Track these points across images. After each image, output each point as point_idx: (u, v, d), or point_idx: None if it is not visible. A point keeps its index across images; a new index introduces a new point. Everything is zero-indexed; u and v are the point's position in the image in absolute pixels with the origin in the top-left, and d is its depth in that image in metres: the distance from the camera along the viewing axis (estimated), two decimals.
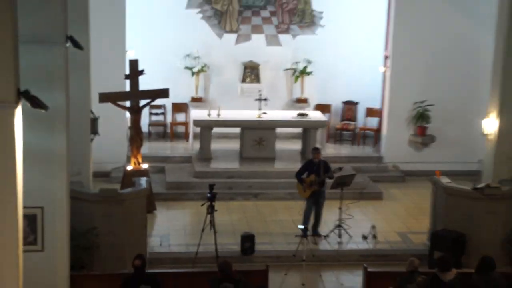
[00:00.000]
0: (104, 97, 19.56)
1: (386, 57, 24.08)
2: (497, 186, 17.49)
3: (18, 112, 9.27)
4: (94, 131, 18.68)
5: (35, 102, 9.53)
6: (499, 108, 18.15)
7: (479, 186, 17.65)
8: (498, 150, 18.27)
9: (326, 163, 18.91)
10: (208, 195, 17.51)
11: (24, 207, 12.37)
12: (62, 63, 12.79)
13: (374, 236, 18.85)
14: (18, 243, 9.66)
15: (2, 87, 8.93)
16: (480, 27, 22.10)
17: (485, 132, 18.68)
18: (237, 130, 23.46)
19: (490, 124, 18.40)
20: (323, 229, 19.15)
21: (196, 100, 25.25)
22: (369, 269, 15.52)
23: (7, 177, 9.29)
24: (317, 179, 18.49)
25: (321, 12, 25.51)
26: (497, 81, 18.34)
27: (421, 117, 23.46)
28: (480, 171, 19.59)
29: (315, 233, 18.95)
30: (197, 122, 23.19)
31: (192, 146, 23.96)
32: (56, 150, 12.90)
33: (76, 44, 13.44)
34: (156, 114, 25.15)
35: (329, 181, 18.86)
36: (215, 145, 23.40)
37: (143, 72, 20.13)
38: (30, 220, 12.92)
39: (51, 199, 13.03)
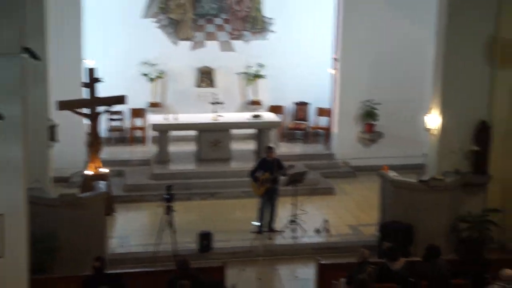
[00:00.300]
0: (63, 105, 19.34)
1: (335, 60, 24.24)
2: (441, 178, 17.87)
3: None
4: (53, 138, 18.66)
5: None
6: (441, 105, 18.56)
7: (424, 178, 18.00)
8: (440, 144, 18.65)
9: (279, 161, 18.95)
10: (166, 196, 17.45)
11: None
12: (18, 74, 12.58)
13: (327, 230, 18.96)
14: None
15: None
16: (421, 30, 22.37)
17: (428, 128, 19.03)
18: (194, 132, 23.42)
19: (433, 120, 18.78)
20: (278, 224, 19.17)
21: (154, 105, 25.22)
22: (321, 262, 15.57)
23: None
24: (271, 177, 18.53)
25: (272, 19, 25.66)
26: (438, 80, 18.71)
27: (368, 115, 23.74)
28: (425, 165, 19.87)
29: (271, 229, 18.96)
30: (154, 127, 23.12)
31: (150, 149, 23.91)
32: (13, 158, 12.65)
33: (33, 55, 13.17)
34: (115, 119, 25.06)
35: (282, 179, 18.90)
36: (172, 148, 23.35)
37: (101, 80, 19.97)
38: None
39: (9, 206, 12.73)
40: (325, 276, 15.16)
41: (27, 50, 12.74)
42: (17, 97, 12.52)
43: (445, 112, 18.43)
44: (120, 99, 20.53)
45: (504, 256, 16.17)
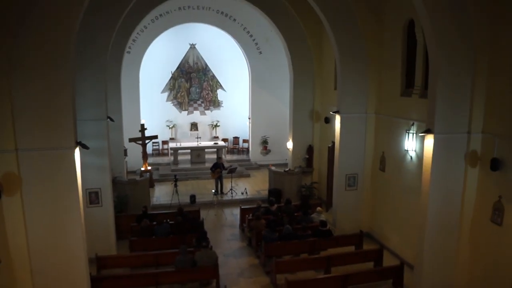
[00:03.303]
0: (131, 140, 19.44)
1: (249, 118, 24.07)
2: (293, 169, 17.95)
3: (77, 152, 9.05)
4: (125, 154, 18.55)
5: (83, 146, 9.36)
6: (292, 137, 18.58)
7: (286, 170, 18.05)
8: (293, 155, 18.73)
9: (223, 163, 19.06)
10: (174, 179, 17.59)
11: (93, 188, 12.41)
12: (105, 129, 12.47)
13: (246, 192, 18.87)
14: (80, 209, 9.29)
15: (68, 139, 8.74)
16: (284, 103, 22.12)
17: (288, 147, 19.09)
18: (189, 151, 23.01)
19: (290, 144, 18.82)
20: (225, 190, 19.06)
21: (172, 139, 24.69)
22: (242, 207, 15.68)
23: (72, 185, 8.98)
24: (220, 170, 18.57)
25: (222, 101, 25.30)
26: (291, 126, 18.69)
27: (264, 142, 23.57)
28: (287, 163, 19.81)
29: (221, 192, 18.87)
30: (172, 148, 22.83)
31: (170, 158, 23.40)
32: (104, 165, 12.57)
33: (111, 119, 13.22)
34: (155, 144, 24.54)
35: (224, 171, 18.90)
36: (180, 157, 23.00)
37: (146, 128, 19.96)
38: (96, 193, 12.67)
39: (103, 185, 12.68)
40: (243, 213, 15.23)
41: (109, 117, 12.75)
42: (104, 139, 12.43)
43: (294, 140, 18.46)
44: (154, 137, 20.45)
45: (317, 201, 16.29)
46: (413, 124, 11.78)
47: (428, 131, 9.61)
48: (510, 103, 8.83)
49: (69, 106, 8.61)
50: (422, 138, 10.22)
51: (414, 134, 11.71)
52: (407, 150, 12.06)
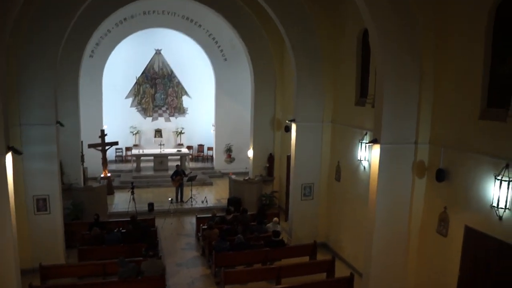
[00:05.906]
0: (90, 146, 19.10)
1: (213, 125, 23.85)
2: (253, 179, 17.91)
3: (8, 157, 8.65)
4: (83, 161, 17.82)
5: (15, 151, 8.97)
6: (253, 145, 18.52)
7: (246, 178, 17.97)
8: (254, 163, 18.64)
9: (183, 170, 18.76)
10: (131, 186, 16.99)
11: (40, 195, 11.91)
12: (54, 133, 11.93)
13: (206, 201, 18.50)
14: (12, 217, 8.84)
15: None
16: (248, 111, 21.18)
17: (249, 155, 18.98)
18: (152, 157, 22.63)
19: (251, 152, 18.71)
20: (185, 199, 18.66)
21: (135, 145, 24.35)
22: (198, 216, 15.47)
23: (4, 192, 8.59)
24: (181, 178, 18.26)
25: (187, 108, 25.05)
26: (252, 134, 18.63)
27: (228, 150, 23.37)
28: (248, 172, 19.62)
29: (181, 201, 18.50)
30: (135, 155, 22.46)
31: (133, 165, 22.92)
32: (53, 171, 12.05)
33: (61, 124, 12.51)
34: (118, 151, 24.14)
35: (185, 178, 18.53)
36: (143, 164, 22.59)
37: (107, 134, 19.60)
38: (44, 200, 12.13)
39: (52, 191, 12.13)
40: (199, 223, 14.97)
41: (57, 122, 12.20)
42: (54, 143, 11.95)
43: (255, 149, 18.36)
44: (115, 143, 20.13)
45: (276, 211, 16.19)
46: (366, 134, 11.75)
47: (374, 141, 9.56)
48: (454, 114, 8.88)
49: None
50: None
51: (367, 144, 11.68)
52: (360, 160, 12.02)
